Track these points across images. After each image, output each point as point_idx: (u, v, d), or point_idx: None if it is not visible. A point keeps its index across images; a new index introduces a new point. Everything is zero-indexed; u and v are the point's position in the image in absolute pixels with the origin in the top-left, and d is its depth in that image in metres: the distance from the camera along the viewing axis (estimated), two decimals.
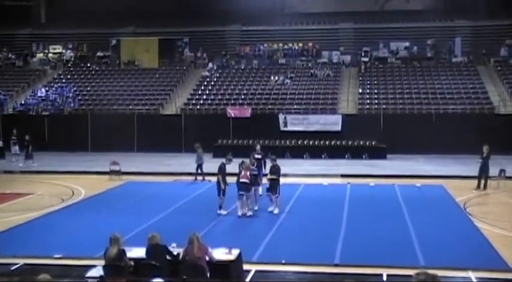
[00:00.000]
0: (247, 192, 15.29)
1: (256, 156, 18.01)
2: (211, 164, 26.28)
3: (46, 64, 40.05)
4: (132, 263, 8.99)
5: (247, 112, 31.64)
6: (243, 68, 38.02)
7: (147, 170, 24.71)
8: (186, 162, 27.23)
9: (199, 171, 21.88)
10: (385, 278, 10.11)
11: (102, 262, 9.12)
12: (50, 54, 41.15)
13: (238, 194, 15.23)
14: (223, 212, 15.51)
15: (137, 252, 9.47)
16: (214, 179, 21.78)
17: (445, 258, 11.15)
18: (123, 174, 22.54)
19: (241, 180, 15.36)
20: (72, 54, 40.58)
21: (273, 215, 15.44)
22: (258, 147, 18.66)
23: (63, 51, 41.12)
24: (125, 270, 8.84)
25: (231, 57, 39.27)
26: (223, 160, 16.19)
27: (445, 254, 11.48)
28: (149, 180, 22.36)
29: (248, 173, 15.42)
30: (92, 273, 9.34)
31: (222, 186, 15.55)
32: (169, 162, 27.39)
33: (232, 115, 31.51)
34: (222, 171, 15.80)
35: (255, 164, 17.13)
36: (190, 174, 23.32)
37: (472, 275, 10.24)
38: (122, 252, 8.90)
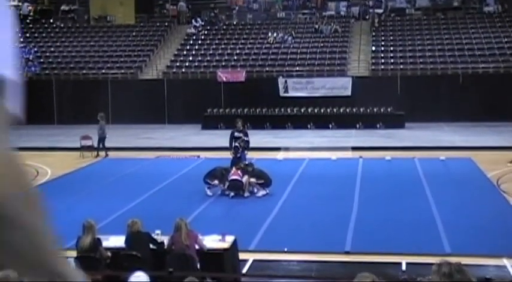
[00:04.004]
0: (239, 191, 15.38)
1: (236, 134, 17.93)
2: (200, 137, 26.43)
3: None
4: (109, 253, 9.05)
5: (241, 76, 31.53)
6: (235, 23, 37.74)
7: (124, 144, 24.71)
8: (170, 136, 27.27)
9: (101, 145, 22.11)
10: (404, 267, 10.20)
11: (74, 254, 9.16)
12: None
13: (230, 195, 15.36)
14: (209, 192, 15.57)
15: (115, 241, 9.52)
16: (204, 154, 21.91)
17: (475, 243, 11.25)
18: (96, 150, 22.53)
19: (232, 177, 15.45)
20: (30, 7, 40.14)
21: (273, 195, 15.52)
22: (240, 123, 18.38)
23: (20, 4, 40.62)
24: (100, 263, 8.90)
25: (221, 11, 38.94)
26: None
27: (475, 239, 11.57)
28: (127, 156, 22.39)
29: (239, 171, 15.54)
30: None
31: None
32: (151, 136, 27.40)
33: (224, 79, 31.41)
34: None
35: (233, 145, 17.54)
36: (175, 149, 23.38)
37: (507, 263, 10.33)
38: (97, 242, 8.94)
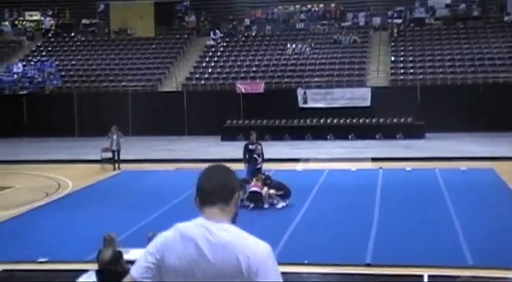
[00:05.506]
0: (258, 203, 15.33)
1: (251, 147, 17.90)
2: (219, 149, 26.46)
3: (22, 34, 40.14)
4: (130, 266, 9.05)
5: (260, 87, 31.57)
6: (254, 35, 37.86)
7: (144, 156, 24.83)
8: (189, 147, 27.35)
9: (116, 157, 22.31)
10: (426, 280, 10.10)
11: (95, 266, 9.20)
12: (26, 23, 41.21)
13: (249, 207, 15.27)
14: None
15: (136, 254, 9.51)
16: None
17: (497, 256, 11.10)
18: (116, 162, 22.66)
19: (252, 189, 15.44)
20: (52, 22, 40.62)
21: (292, 207, 15.48)
22: (254, 136, 18.34)
23: (42, 18, 41.16)
24: (121, 276, 8.90)
25: (240, 23, 39.10)
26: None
27: (497, 251, 11.42)
28: (147, 168, 22.47)
29: (260, 183, 15.51)
30: (84, 279, 9.44)
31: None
32: (170, 147, 27.50)
33: (243, 91, 31.48)
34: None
35: (248, 157, 17.55)
36: (195, 161, 23.43)
37: None
38: (118, 255, 8.97)
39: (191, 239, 3.00)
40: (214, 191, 3.08)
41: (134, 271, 3.16)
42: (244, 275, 2.89)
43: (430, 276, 10.15)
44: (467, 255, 11.18)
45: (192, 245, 2.98)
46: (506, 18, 35.91)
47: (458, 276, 10.19)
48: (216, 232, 2.97)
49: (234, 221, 3.11)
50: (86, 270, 9.91)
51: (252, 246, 2.94)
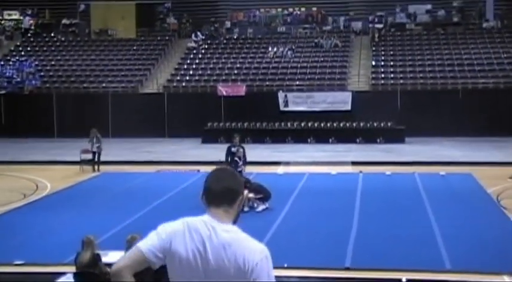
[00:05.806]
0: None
1: (233, 149, 17.88)
2: (200, 151, 26.42)
3: (0, 33, 39.79)
4: (108, 269, 8.99)
5: (241, 90, 31.58)
6: (235, 37, 37.88)
7: (124, 158, 24.69)
8: (170, 150, 27.27)
9: (96, 159, 22.30)
10: None
11: (73, 269, 9.13)
12: (5, 22, 40.85)
13: None
14: None
15: (114, 256, 9.46)
16: (204, 168, 21.86)
17: (475, 260, 11.20)
18: (96, 164, 22.51)
19: None
20: (32, 21, 40.31)
21: (272, 210, 15.47)
22: (237, 139, 18.30)
23: (21, 18, 40.83)
24: (100, 278, 8.86)
25: (221, 25, 39.11)
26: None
27: (475, 256, 11.52)
28: (127, 170, 22.35)
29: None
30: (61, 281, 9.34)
31: None
32: (151, 149, 27.40)
33: (224, 93, 31.47)
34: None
35: (229, 160, 17.44)
36: (175, 163, 23.36)
37: (507, 280, 10.29)
38: (97, 257, 8.91)
39: (199, 234, 3.19)
40: (220, 193, 3.29)
41: (144, 247, 3.24)
42: (241, 276, 3.06)
43: (408, 281, 10.21)
44: (445, 259, 11.26)
45: (199, 239, 3.17)
46: (485, 25, 36.33)
47: (436, 281, 10.28)
48: (219, 232, 3.19)
49: (235, 221, 3.33)
50: (63, 273, 9.83)
51: (249, 248, 3.16)
